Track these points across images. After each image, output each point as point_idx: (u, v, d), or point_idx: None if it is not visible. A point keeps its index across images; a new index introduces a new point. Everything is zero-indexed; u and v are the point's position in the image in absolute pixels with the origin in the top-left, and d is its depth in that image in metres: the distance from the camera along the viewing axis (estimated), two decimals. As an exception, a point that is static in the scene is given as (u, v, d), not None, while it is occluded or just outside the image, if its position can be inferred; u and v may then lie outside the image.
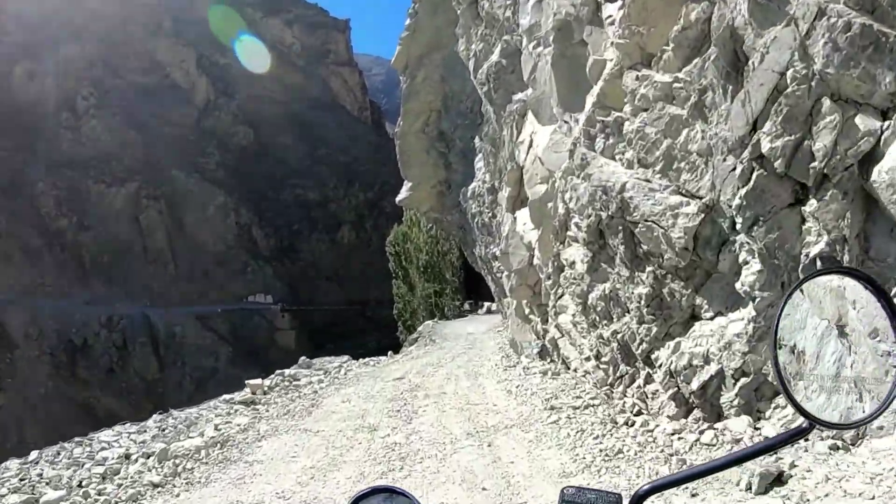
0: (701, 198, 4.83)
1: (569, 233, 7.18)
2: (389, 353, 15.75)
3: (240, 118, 75.31)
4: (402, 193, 19.29)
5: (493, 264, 13.53)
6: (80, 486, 6.56)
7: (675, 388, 5.07)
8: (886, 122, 3.54)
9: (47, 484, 6.71)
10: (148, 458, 7.05)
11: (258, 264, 67.33)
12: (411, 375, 10.18)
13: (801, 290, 1.18)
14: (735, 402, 4.56)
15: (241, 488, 5.59)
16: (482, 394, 8.04)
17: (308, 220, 72.51)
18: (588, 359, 6.97)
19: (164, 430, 8.88)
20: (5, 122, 60.83)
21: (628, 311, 5.79)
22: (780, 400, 4.23)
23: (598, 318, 6.49)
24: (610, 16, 5.87)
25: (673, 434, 4.66)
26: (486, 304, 22.94)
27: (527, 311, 9.77)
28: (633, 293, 5.62)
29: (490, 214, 13.28)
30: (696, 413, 4.98)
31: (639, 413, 5.40)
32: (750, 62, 4.32)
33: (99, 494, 6.17)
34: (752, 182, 4.32)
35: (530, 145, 8.63)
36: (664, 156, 5.17)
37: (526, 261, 9.25)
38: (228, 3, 77.19)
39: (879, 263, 3.73)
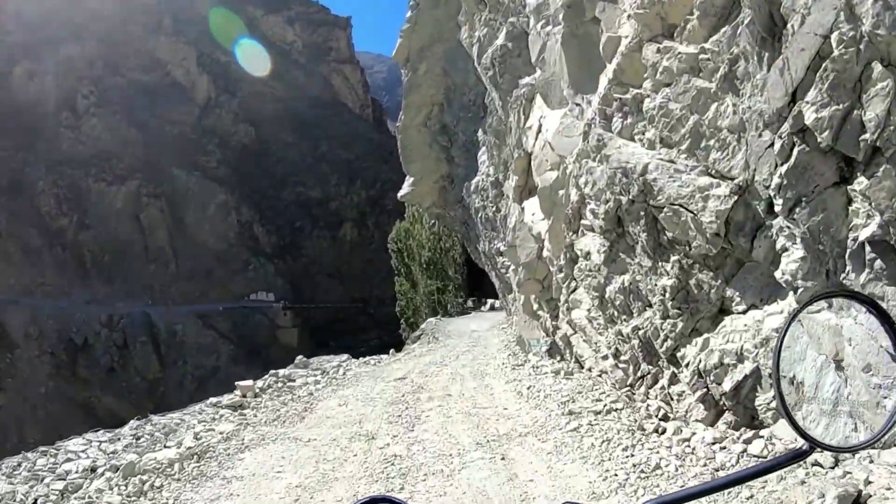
0: (733, 178, 4.37)
1: (583, 221, 6.73)
2: (391, 350, 15.30)
3: (241, 116, 75.06)
4: (404, 189, 18.96)
5: (497, 260, 13.15)
6: (33, 504, 5.87)
7: (705, 390, 4.61)
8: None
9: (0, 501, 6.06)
10: (116, 471, 6.26)
11: (259, 262, 67.08)
12: (414, 375, 9.70)
13: (801, 323, 1.10)
14: (773, 405, 4.11)
15: (213, 513, 4.94)
16: (490, 396, 7.51)
17: (309, 217, 72.20)
18: (605, 357, 6.50)
19: (139, 438, 8.07)
20: (5, 122, 60.76)
21: (650, 305, 5.34)
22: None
23: (616, 312, 6.04)
24: (626, -13, 5.45)
25: (713, 444, 4.15)
26: (490, 300, 22.58)
27: (535, 306, 9.34)
28: (655, 285, 5.17)
29: (494, 209, 12.89)
30: (728, 416, 4.52)
31: (666, 418, 4.91)
32: (789, 25, 3.88)
33: (50, 516, 5.47)
34: (792, 158, 3.88)
35: (539, 130, 8.19)
36: (691, 133, 4.72)
37: (535, 253, 8.81)
38: (229, 2, 76.81)
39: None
